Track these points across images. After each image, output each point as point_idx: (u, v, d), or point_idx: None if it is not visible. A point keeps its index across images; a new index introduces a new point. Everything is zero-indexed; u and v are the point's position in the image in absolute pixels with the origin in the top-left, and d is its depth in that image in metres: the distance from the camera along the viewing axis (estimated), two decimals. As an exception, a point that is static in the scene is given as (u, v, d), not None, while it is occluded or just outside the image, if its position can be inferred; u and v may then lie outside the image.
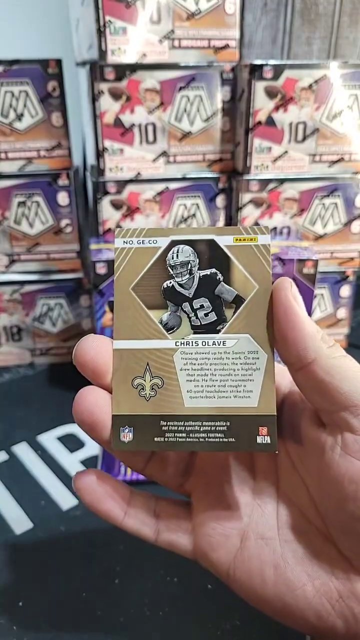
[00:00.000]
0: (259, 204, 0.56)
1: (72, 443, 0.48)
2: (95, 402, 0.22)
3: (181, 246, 0.22)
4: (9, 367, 0.61)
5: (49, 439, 0.48)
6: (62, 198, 0.56)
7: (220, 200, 0.57)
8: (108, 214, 0.55)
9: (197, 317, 0.22)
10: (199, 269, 0.22)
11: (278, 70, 0.51)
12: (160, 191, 0.55)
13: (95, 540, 0.38)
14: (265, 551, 0.22)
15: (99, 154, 0.53)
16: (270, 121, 0.53)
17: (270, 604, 0.22)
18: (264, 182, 0.55)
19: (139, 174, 0.54)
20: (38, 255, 0.58)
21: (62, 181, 0.55)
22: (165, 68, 0.51)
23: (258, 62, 0.50)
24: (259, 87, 0.51)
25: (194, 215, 0.57)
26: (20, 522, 0.39)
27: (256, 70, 0.50)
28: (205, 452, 0.23)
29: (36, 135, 0.54)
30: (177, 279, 0.22)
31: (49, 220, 0.56)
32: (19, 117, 0.53)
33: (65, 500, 0.41)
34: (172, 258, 0.22)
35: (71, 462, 0.45)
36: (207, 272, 0.22)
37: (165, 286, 0.22)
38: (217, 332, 0.21)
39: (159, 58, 0.51)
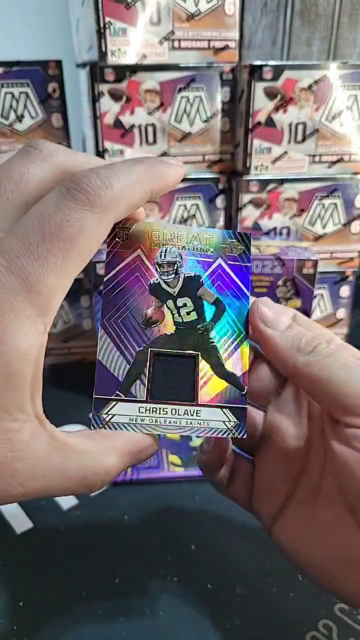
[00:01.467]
0: (258, 204, 0.56)
1: (72, 443, 0.48)
2: None
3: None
4: (9, 367, 0.61)
5: (50, 439, 0.48)
6: (63, 199, 0.56)
7: (220, 201, 0.57)
8: (108, 214, 0.55)
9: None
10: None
11: (278, 71, 0.51)
12: (160, 192, 0.55)
13: (95, 540, 0.38)
14: (309, 517, 0.24)
15: (99, 155, 0.53)
16: (270, 122, 0.53)
17: (313, 570, 0.24)
18: (264, 183, 0.55)
19: (139, 174, 0.54)
20: (38, 256, 0.58)
21: (62, 182, 0.55)
22: (165, 69, 0.51)
23: (258, 62, 0.51)
24: (259, 87, 0.51)
25: (193, 215, 0.57)
26: (20, 522, 0.39)
27: (256, 71, 0.50)
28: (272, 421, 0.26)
29: (36, 137, 0.54)
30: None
31: (49, 221, 0.56)
32: (19, 118, 0.53)
33: (65, 500, 0.41)
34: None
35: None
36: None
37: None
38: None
39: (158, 59, 0.51)
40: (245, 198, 0.55)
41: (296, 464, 0.25)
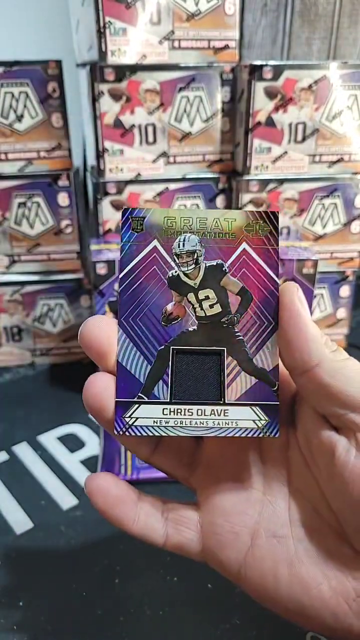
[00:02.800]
0: (258, 204, 0.56)
1: (72, 443, 0.48)
2: (104, 387, 0.21)
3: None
4: (9, 367, 0.61)
5: (49, 439, 0.48)
6: (63, 199, 0.56)
7: (220, 201, 0.57)
8: (108, 214, 0.55)
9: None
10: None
11: (278, 71, 0.51)
12: (160, 192, 0.55)
13: (95, 540, 0.38)
14: (278, 549, 0.21)
15: (99, 154, 0.53)
16: (270, 122, 0.53)
17: (284, 604, 0.21)
18: (264, 183, 0.55)
19: (139, 174, 0.54)
20: (38, 255, 0.58)
21: (63, 182, 0.55)
22: (165, 69, 0.51)
23: (258, 62, 0.51)
24: (259, 87, 0.51)
25: (194, 215, 0.57)
26: (20, 522, 0.39)
27: (256, 71, 0.50)
28: (212, 444, 0.24)
29: (36, 136, 0.54)
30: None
31: (49, 221, 0.56)
32: (19, 118, 0.53)
33: (65, 500, 0.41)
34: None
35: (71, 462, 0.45)
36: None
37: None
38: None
39: (158, 59, 0.51)
40: (245, 198, 0.55)
41: (256, 493, 0.23)
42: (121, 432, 0.21)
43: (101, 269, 0.49)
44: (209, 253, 0.21)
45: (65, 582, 0.35)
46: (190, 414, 0.21)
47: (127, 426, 0.21)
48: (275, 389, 0.21)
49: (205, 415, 0.21)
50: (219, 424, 0.21)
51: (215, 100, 0.53)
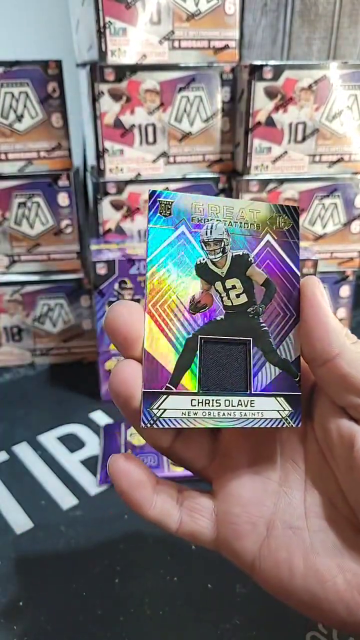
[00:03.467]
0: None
1: (72, 443, 0.48)
2: (133, 375, 0.21)
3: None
4: (9, 367, 0.61)
5: (49, 439, 0.48)
6: (62, 199, 0.56)
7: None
8: (108, 214, 0.55)
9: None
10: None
11: (278, 71, 0.51)
12: (160, 192, 0.55)
13: (95, 540, 0.38)
14: (294, 541, 0.21)
15: (99, 154, 0.53)
16: (270, 121, 0.53)
17: (298, 596, 0.21)
18: (264, 183, 0.55)
19: (139, 174, 0.54)
20: (38, 255, 0.58)
21: (63, 182, 0.55)
22: (165, 69, 0.51)
23: (258, 62, 0.51)
24: (259, 87, 0.51)
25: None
26: (20, 522, 0.39)
27: (256, 71, 0.50)
28: (231, 434, 0.23)
29: (36, 136, 0.54)
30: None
31: (49, 221, 0.56)
32: (19, 118, 0.53)
33: (65, 500, 0.41)
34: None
35: (71, 462, 0.45)
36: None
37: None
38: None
39: (158, 59, 0.51)
40: (246, 198, 0.55)
41: (273, 484, 0.22)
42: (148, 425, 0.20)
43: (101, 269, 0.49)
44: (235, 242, 0.21)
45: (65, 582, 0.35)
46: (219, 404, 0.21)
47: (155, 418, 0.20)
48: (297, 379, 0.21)
49: (232, 406, 0.21)
50: (245, 414, 0.21)
51: (215, 100, 0.53)
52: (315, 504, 0.22)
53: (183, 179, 0.55)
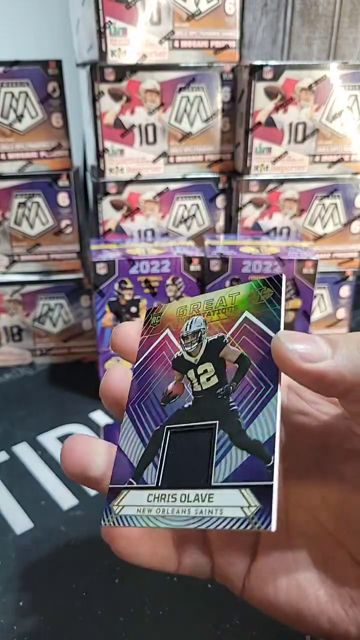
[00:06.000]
0: (258, 204, 0.56)
1: (72, 443, 0.48)
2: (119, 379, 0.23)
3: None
4: (9, 367, 0.61)
5: (49, 439, 0.48)
6: (63, 199, 0.56)
7: (220, 201, 0.57)
8: (108, 214, 0.55)
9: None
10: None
11: (278, 71, 0.51)
12: (161, 192, 0.55)
13: (95, 540, 0.38)
14: (277, 558, 0.22)
15: (99, 154, 0.53)
16: (270, 122, 0.53)
17: (283, 611, 0.21)
18: (264, 183, 0.55)
19: (139, 174, 0.54)
20: (38, 255, 0.58)
21: (63, 182, 0.55)
22: (165, 69, 0.51)
23: (258, 62, 0.51)
24: (259, 87, 0.51)
25: (194, 215, 0.57)
26: (20, 522, 0.39)
27: (256, 71, 0.50)
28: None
29: (36, 136, 0.54)
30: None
31: (49, 221, 0.56)
32: (19, 118, 0.53)
33: (65, 500, 0.41)
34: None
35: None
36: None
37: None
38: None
39: (159, 59, 0.51)
40: (246, 198, 0.55)
41: None
42: (108, 524, 0.19)
43: (101, 269, 0.49)
44: (212, 329, 0.22)
45: (65, 582, 0.35)
46: (174, 500, 0.18)
47: (114, 515, 0.19)
48: (269, 464, 0.17)
49: (188, 501, 0.18)
50: (202, 512, 0.18)
51: (216, 100, 0.53)
52: (297, 519, 0.22)
53: (183, 179, 0.55)
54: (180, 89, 0.52)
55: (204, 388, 0.20)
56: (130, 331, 0.23)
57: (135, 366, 0.22)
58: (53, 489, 0.43)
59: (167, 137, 0.53)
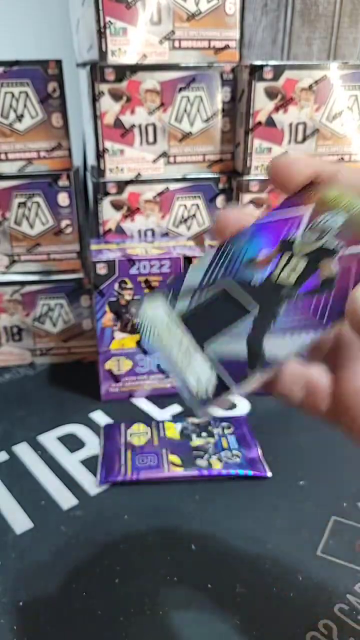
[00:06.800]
0: (259, 204, 0.56)
1: (72, 443, 0.48)
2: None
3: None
4: (9, 367, 0.61)
5: (49, 439, 0.48)
6: (63, 199, 0.56)
7: (220, 201, 0.57)
8: (108, 214, 0.55)
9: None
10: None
11: (278, 71, 0.51)
12: (161, 192, 0.55)
13: (95, 540, 0.38)
14: None
15: (99, 154, 0.53)
16: (270, 122, 0.53)
17: None
18: (264, 183, 0.55)
19: (139, 174, 0.54)
20: (38, 255, 0.58)
21: (63, 182, 0.55)
22: (165, 69, 0.51)
23: (258, 62, 0.51)
24: (259, 87, 0.51)
25: (194, 215, 0.57)
26: (20, 522, 0.39)
27: (256, 71, 0.50)
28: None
29: (36, 136, 0.54)
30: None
31: (49, 221, 0.56)
32: (19, 118, 0.53)
33: (65, 500, 0.41)
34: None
35: (71, 462, 0.46)
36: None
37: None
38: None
39: (159, 59, 0.51)
40: (246, 198, 0.55)
41: None
42: (136, 318, 0.21)
43: (101, 269, 0.49)
44: (341, 235, 0.20)
45: (65, 582, 0.35)
46: (175, 336, 0.20)
47: (138, 310, 0.21)
48: (245, 377, 0.19)
49: (180, 347, 0.20)
50: (179, 363, 0.19)
51: (216, 100, 0.53)
52: None
53: (183, 179, 0.55)
54: (181, 89, 0.52)
55: (278, 278, 0.20)
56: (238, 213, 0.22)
57: (273, 210, 0.21)
58: (53, 489, 0.43)
59: (167, 137, 0.53)
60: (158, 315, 0.21)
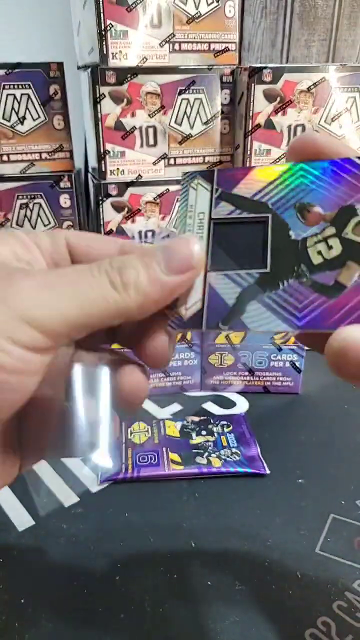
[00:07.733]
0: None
1: (73, 442, 0.48)
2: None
3: None
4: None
5: (51, 439, 0.49)
6: (64, 200, 0.56)
7: (220, 202, 0.57)
8: (109, 215, 0.56)
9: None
10: None
11: (277, 74, 0.51)
12: (161, 193, 0.56)
13: (96, 538, 0.38)
14: None
15: (101, 156, 0.53)
16: (269, 124, 0.53)
17: None
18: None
19: (139, 176, 0.55)
20: (40, 256, 0.58)
21: (64, 184, 0.55)
22: (165, 71, 0.51)
23: (257, 65, 0.51)
24: (258, 90, 0.52)
25: (194, 216, 0.57)
26: (21, 519, 0.40)
27: (255, 74, 0.51)
28: None
29: (38, 138, 0.54)
30: None
31: (50, 223, 0.57)
32: (21, 120, 0.53)
33: (66, 497, 0.42)
34: None
35: (72, 460, 0.46)
36: None
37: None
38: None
39: (159, 61, 0.52)
40: (245, 199, 0.56)
41: None
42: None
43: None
44: None
45: (66, 579, 0.35)
46: (198, 233, 0.21)
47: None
48: (220, 324, 0.19)
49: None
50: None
51: (215, 102, 0.54)
52: None
53: (183, 181, 0.56)
54: (181, 92, 0.52)
55: (311, 247, 0.19)
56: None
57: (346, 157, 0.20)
58: (55, 486, 0.43)
59: (168, 139, 0.54)
60: (199, 200, 0.21)
